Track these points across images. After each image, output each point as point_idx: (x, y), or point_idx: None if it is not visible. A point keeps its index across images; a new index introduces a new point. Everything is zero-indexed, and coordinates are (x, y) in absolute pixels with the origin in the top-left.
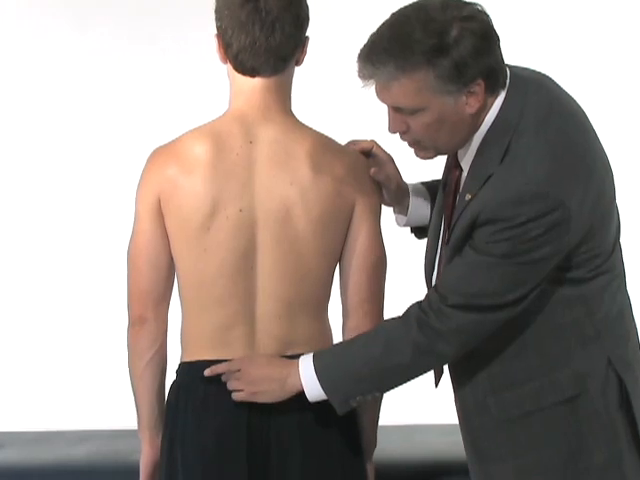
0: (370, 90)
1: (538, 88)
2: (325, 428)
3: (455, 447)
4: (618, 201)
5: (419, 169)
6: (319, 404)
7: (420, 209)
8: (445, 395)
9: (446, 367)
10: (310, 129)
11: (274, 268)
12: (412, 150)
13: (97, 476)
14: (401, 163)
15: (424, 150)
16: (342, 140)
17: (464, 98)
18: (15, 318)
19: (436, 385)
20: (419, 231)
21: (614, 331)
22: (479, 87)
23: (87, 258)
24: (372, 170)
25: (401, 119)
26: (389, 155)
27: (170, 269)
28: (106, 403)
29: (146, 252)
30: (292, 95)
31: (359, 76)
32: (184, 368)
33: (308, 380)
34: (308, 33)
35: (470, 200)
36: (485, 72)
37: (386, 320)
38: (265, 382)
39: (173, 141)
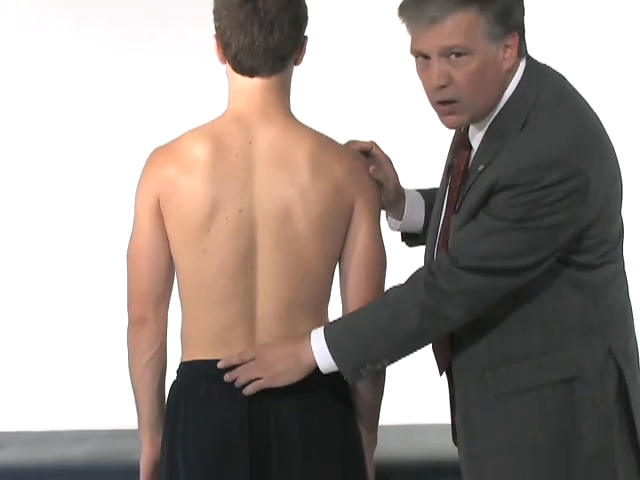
0: (370, 91)
1: (551, 71)
2: (326, 427)
3: (454, 447)
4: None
5: (417, 172)
6: (320, 400)
7: (415, 215)
8: (444, 395)
9: (445, 371)
10: (309, 129)
11: (274, 268)
12: (411, 148)
13: (95, 476)
14: (399, 165)
15: (458, 112)
16: (341, 140)
17: (502, 52)
18: (14, 318)
19: (440, 373)
20: (411, 239)
21: (617, 324)
22: (514, 40)
23: (86, 258)
24: (371, 168)
25: (445, 69)
26: (387, 156)
27: (170, 269)
28: (104, 403)
29: (145, 252)
30: (291, 95)
31: (408, 11)
32: (184, 368)
33: (319, 352)
34: (307, 33)
35: (483, 169)
36: (521, 26)
37: (394, 286)
38: (281, 362)
39: (172, 141)
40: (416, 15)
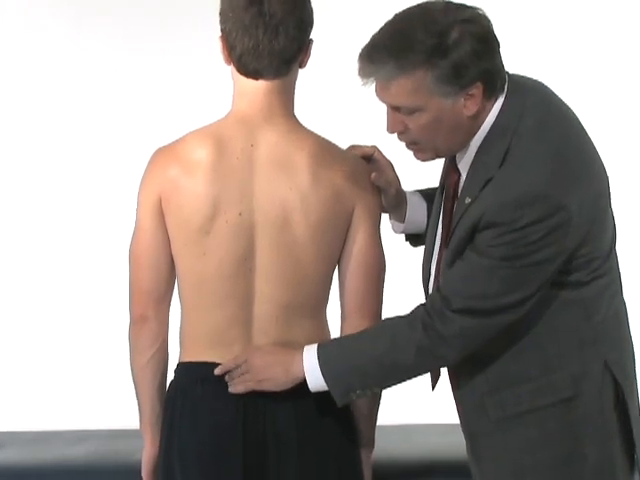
0: (372, 93)
1: (536, 93)
2: (321, 428)
3: (454, 447)
4: (615, 205)
5: (419, 175)
6: (316, 403)
7: (417, 216)
8: (444, 395)
9: (444, 369)
10: (311, 133)
11: (272, 271)
12: (411, 153)
13: (96, 476)
14: (401, 169)
15: (422, 151)
16: (344, 144)
17: (462, 101)
18: (14, 318)
19: (433, 388)
20: (414, 239)
21: (611, 335)
22: (477, 90)
23: (86, 258)
24: (373, 175)
25: (399, 119)
26: (389, 161)
27: (171, 269)
28: (105, 403)
29: (147, 252)
30: (295, 98)
31: (359, 75)
32: (182, 368)
33: (311, 370)
34: (312, 35)
35: (470, 204)
36: (484, 76)
37: (392, 318)
38: (270, 369)
39: (175, 142)
40: (366, 74)
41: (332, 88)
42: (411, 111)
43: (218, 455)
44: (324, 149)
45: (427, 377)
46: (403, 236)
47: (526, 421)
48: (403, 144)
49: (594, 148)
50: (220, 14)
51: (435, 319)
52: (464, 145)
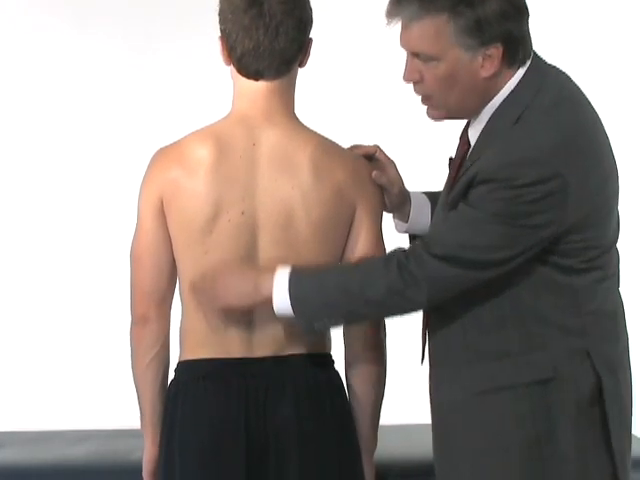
0: (374, 93)
1: (558, 76)
2: (323, 428)
3: None
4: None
5: (422, 175)
6: (318, 403)
7: (421, 217)
8: None
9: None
10: (313, 132)
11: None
12: (413, 153)
13: (96, 476)
14: (403, 168)
15: (435, 108)
16: (345, 143)
17: (480, 59)
18: (15, 318)
19: (422, 362)
20: (417, 239)
21: (602, 330)
22: (496, 51)
23: (87, 258)
24: (374, 173)
25: (416, 68)
26: (392, 160)
27: (172, 269)
28: (105, 403)
29: (148, 252)
30: (296, 97)
31: (386, 15)
32: (182, 366)
33: (279, 292)
34: (312, 35)
35: (471, 165)
36: (506, 38)
37: (371, 257)
38: (239, 282)
39: (176, 142)
40: (392, 13)
41: (333, 88)
42: (429, 59)
43: (219, 453)
44: (326, 148)
45: (428, 377)
46: (407, 236)
47: (501, 397)
48: (403, 143)
49: (609, 145)
50: (219, 15)
51: (411, 261)
52: (476, 111)
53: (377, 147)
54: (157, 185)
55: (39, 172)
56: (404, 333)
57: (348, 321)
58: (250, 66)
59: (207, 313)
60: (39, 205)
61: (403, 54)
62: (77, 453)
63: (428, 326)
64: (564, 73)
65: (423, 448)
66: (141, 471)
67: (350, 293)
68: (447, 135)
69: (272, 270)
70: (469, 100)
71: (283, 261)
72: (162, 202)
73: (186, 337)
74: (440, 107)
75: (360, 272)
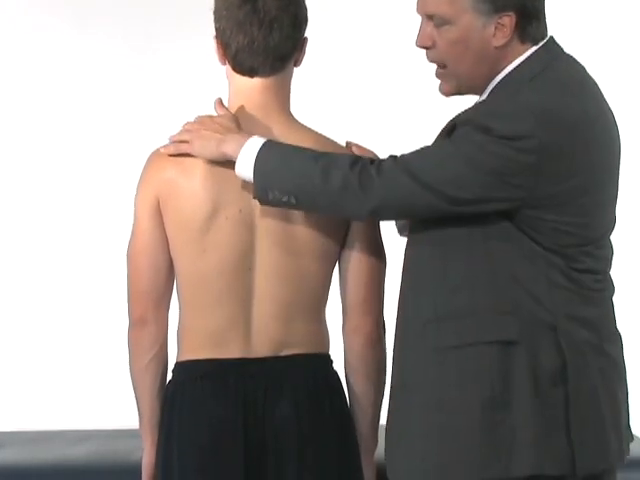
0: (370, 92)
1: (574, 62)
2: (322, 428)
3: None
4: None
5: None
6: (317, 404)
7: None
8: None
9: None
10: (310, 130)
11: (271, 270)
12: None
13: (96, 476)
14: None
15: (447, 80)
16: (340, 141)
17: (492, 28)
18: (15, 318)
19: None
20: None
21: (575, 311)
22: (509, 20)
23: (86, 259)
24: None
25: (430, 33)
26: None
27: (170, 270)
28: (105, 403)
29: (145, 252)
30: (292, 96)
31: None
32: (180, 367)
33: (246, 154)
34: (307, 34)
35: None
36: (520, 8)
37: (347, 155)
38: (210, 135)
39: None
40: None
41: (329, 87)
42: (443, 22)
43: (218, 454)
44: (323, 146)
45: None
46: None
47: (464, 354)
48: (402, 145)
49: (614, 145)
50: (214, 13)
51: (374, 166)
52: (485, 82)
53: (373, 153)
54: (153, 185)
55: (39, 172)
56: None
57: (298, 202)
58: (245, 62)
59: (206, 313)
60: (38, 205)
61: (399, 52)
62: (77, 453)
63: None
64: (580, 63)
65: None
66: (141, 471)
67: (309, 174)
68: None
69: (245, 135)
70: (479, 69)
71: (281, 259)
72: (159, 202)
73: (184, 337)
74: (452, 77)
75: (326, 160)
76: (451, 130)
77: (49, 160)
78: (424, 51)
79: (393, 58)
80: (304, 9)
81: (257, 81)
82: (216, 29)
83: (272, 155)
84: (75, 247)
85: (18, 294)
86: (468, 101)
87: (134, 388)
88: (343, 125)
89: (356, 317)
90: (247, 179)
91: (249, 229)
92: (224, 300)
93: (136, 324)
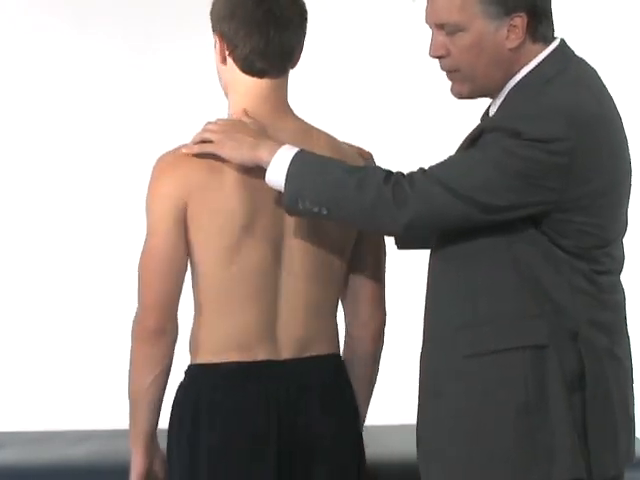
0: (367, 93)
1: (586, 65)
2: (343, 426)
3: None
4: None
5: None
6: (338, 402)
7: None
8: None
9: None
10: (318, 129)
11: (299, 269)
12: (417, 155)
13: (97, 476)
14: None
15: (460, 82)
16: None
17: (505, 30)
18: (15, 318)
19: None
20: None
21: (594, 317)
22: (520, 21)
23: (87, 259)
24: None
25: (442, 42)
26: None
27: (184, 276)
28: (106, 403)
29: (168, 258)
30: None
31: None
32: (199, 369)
33: (279, 161)
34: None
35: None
36: (530, 8)
37: (379, 167)
38: (242, 139)
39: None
40: None
41: (329, 87)
42: (455, 30)
43: (253, 455)
44: (336, 146)
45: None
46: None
47: (495, 359)
48: (405, 144)
49: (626, 145)
50: (216, 13)
51: (407, 180)
52: (500, 86)
53: (370, 153)
54: (179, 187)
55: (39, 172)
56: (405, 333)
57: (330, 214)
58: (256, 63)
59: (234, 315)
60: (38, 205)
61: (396, 51)
62: (78, 453)
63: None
64: (592, 67)
65: None
66: None
67: (344, 187)
68: (442, 132)
69: (278, 143)
70: (494, 72)
71: (307, 258)
72: (186, 205)
73: (204, 340)
74: (465, 80)
75: (361, 173)
76: (477, 138)
77: (49, 160)
78: (424, 51)
79: (391, 56)
80: (305, 7)
81: (266, 82)
82: (220, 30)
83: (305, 165)
84: (75, 247)
85: (19, 295)
86: (468, 101)
87: (134, 400)
88: (342, 125)
89: (371, 307)
90: (277, 187)
91: (280, 230)
92: (253, 302)
93: (152, 336)
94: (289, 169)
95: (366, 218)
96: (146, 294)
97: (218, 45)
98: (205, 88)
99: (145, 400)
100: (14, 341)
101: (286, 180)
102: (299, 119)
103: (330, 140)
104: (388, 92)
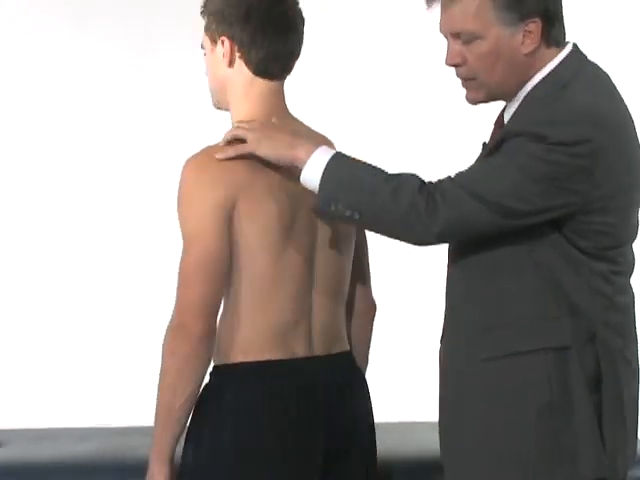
0: (365, 94)
1: (599, 68)
2: (369, 416)
3: None
4: None
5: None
6: (365, 395)
7: None
8: None
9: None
10: (315, 131)
11: (328, 264)
12: (418, 158)
13: (99, 473)
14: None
15: (476, 89)
16: (336, 142)
17: (520, 36)
18: (17, 317)
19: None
20: None
21: (609, 319)
22: (535, 26)
23: (88, 258)
24: None
25: (458, 50)
26: None
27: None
28: (108, 401)
29: (217, 259)
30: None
31: (426, 0)
32: (242, 368)
33: (315, 163)
34: (306, 34)
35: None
36: (544, 13)
37: (414, 175)
38: (280, 136)
39: (218, 143)
40: (431, 0)
41: (328, 87)
42: (470, 39)
43: (301, 451)
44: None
45: (429, 375)
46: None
47: (518, 362)
48: (405, 143)
49: (638, 145)
50: (226, 18)
51: (438, 190)
52: (514, 91)
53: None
54: (224, 187)
55: (39, 172)
56: (408, 333)
57: (362, 218)
58: (271, 66)
59: (276, 313)
60: (38, 205)
61: (395, 51)
62: (82, 451)
63: (447, 300)
64: (604, 70)
65: (428, 446)
66: (145, 469)
67: (379, 192)
68: (441, 132)
69: (314, 145)
70: (510, 78)
71: (333, 252)
72: (234, 204)
73: (238, 338)
74: (481, 87)
75: (396, 180)
76: (499, 144)
77: (49, 160)
78: (424, 51)
79: (393, 58)
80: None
81: (275, 84)
82: (231, 33)
83: (342, 168)
84: (75, 247)
85: (21, 293)
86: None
87: (168, 413)
88: (341, 125)
89: (369, 296)
90: (311, 187)
91: (315, 227)
92: (294, 298)
93: (198, 343)
94: (325, 171)
95: (398, 225)
96: (194, 299)
97: (225, 48)
98: (205, 88)
99: (181, 413)
100: (18, 338)
101: (321, 181)
102: (297, 120)
103: (328, 141)
104: (388, 92)
